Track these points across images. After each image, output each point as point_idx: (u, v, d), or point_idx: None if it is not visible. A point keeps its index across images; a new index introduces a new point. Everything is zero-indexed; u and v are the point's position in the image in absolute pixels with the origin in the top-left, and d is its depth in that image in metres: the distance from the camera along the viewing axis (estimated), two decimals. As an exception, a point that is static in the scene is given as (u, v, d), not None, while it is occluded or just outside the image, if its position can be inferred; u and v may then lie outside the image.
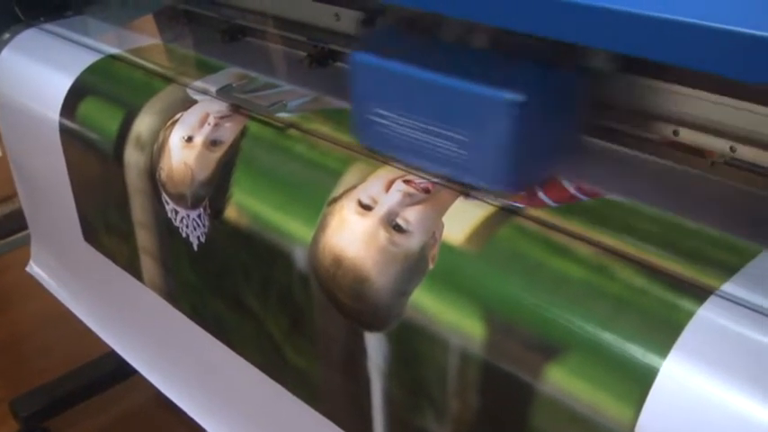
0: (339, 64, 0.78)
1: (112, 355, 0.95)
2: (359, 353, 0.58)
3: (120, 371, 1.20)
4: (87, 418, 1.25)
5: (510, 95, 0.51)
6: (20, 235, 1.46)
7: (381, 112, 0.57)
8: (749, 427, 0.39)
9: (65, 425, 1.24)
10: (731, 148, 0.53)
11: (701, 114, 0.53)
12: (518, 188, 0.54)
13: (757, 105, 0.51)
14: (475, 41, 0.56)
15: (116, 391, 1.25)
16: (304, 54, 0.79)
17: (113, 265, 0.88)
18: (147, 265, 0.81)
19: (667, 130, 0.56)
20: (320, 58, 0.78)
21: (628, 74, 0.56)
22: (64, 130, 0.84)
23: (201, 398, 0.85)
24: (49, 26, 0.94)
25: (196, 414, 0.84)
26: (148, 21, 0.95)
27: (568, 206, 0.53)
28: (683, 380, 0.42)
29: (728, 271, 0.46)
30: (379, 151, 0.59)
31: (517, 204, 0.53)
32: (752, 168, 0.53)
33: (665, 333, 0.43)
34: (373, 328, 0.57)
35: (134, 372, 0.91)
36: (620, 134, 0.59)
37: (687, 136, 0.55)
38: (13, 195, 1.62)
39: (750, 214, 0.52)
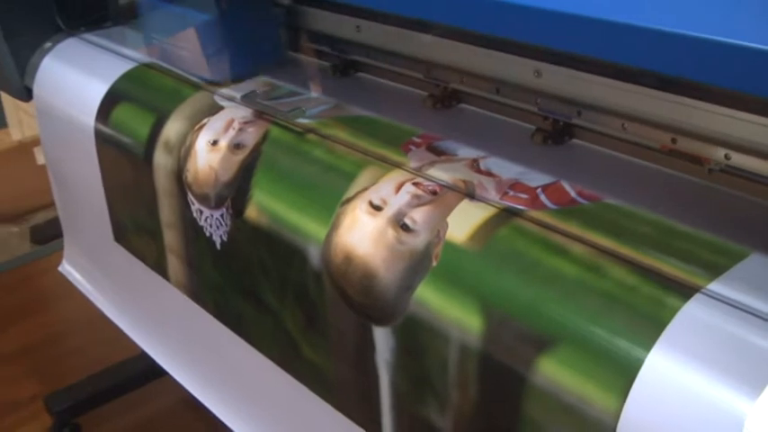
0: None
1: (143, 356, 0.98)
2: (368, 347, 0.61)
3: (150, 372, 1.24)
4: (116, 417, 1.30)
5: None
6: (56, 241, 1.51)
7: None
8: (727, 416, 0.41)
9: (95, 422, 1.28)
10: (726, 155, 0.56)
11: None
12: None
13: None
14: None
15: (145, 391, 1.29)
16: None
17: (142, 265, 0.92)
18: (174, 264, 0.85)
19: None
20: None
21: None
22: (99, 135, 0.89)
23: (225, 396, 0.88)
24: (88, 36, 0.99)
25: (221, 412, 0.87)
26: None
27: (568, 209, 0.55)
28: (666, 372, 0.44)
29: (715, 272, 0.48)
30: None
31: (519, 207, 0.56)
32: (745, 176, 0.55)
33: (650, 328, 0.45)
34: (381, 322, 0.59)
35: (163, 373, 0.94)
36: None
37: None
38: (51, 204, 1.69)
39: (742, 219, 0.54)
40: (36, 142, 1.77)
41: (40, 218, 1.79)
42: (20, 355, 1.45)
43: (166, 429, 1.29)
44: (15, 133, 1.81)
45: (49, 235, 1.72)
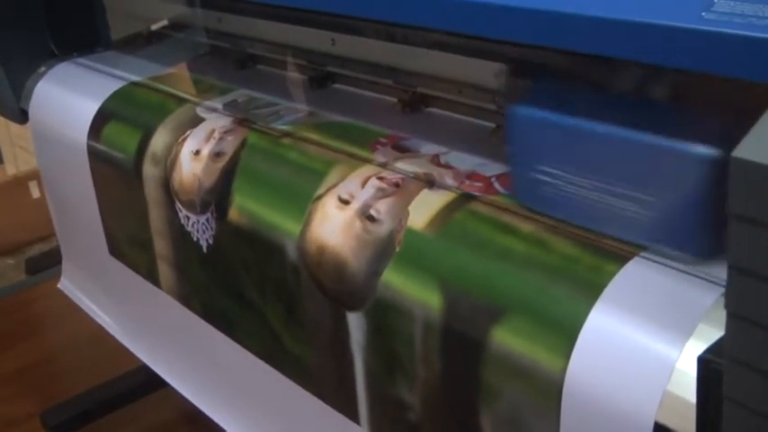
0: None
1: (140, 369, 1.01)
2: (343, 332, 0.66)
3: (147, 385, 1.27)
4: (115, 430, 1.32)
5: (703, 150, 0.46)
6: (51, 270, 1.55)
7: (549, 170, 0.53)
8: (658, 362, 0.45)
9: (92, 436, 1.31)
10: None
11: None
12: (710, 255, 0.48)
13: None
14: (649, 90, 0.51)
15: (143, 404, 1.32)
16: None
17: (137, 276, 0.96)
18: (164, 271, 0.90)
19: None
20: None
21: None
22: (91, 152, 0.94)
23: (224, 401, 0.91)
24: (80, 60, 1.05)
25: (222, 419, 0.90)
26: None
27: (518, 194, 0.60)
28: (604, 330, 0.48)
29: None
30: (544, 213, 0.55)
31: (474, 193, 0.60)
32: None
33: (589, 292, 0.50)
34: (353, 307, 0.64)
35: (160, 386, 0.96)
36: None
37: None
38: (46, 237, 1.74)
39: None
40: (31, 176, 1.82)
41: (36, 250, 1.84)
42: (16, 375, 1.48)
43: (165, 442, 1.33)
44: (10, 168, 1.86)
45: (43, 266, 1.77)
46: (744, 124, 0.37)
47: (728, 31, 0.41)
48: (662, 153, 0.47)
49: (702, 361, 0.42)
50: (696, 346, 0.44)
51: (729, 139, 0.38)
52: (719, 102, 0.47)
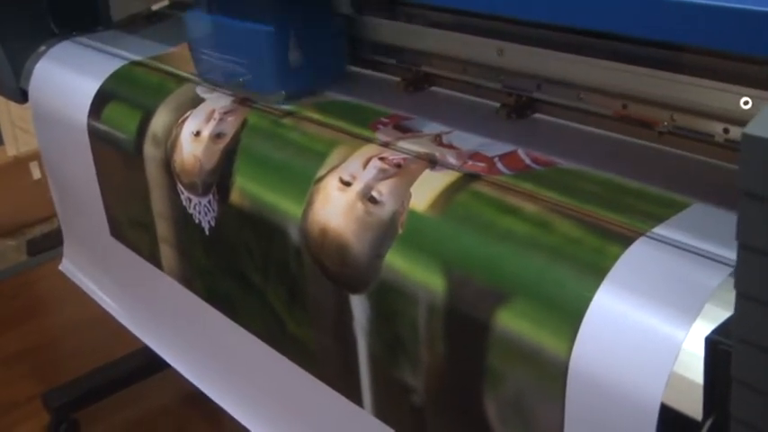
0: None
1: (140, 351, 1.01)
2: (346, 315, 0.65)
3: (148, 367, 1.28)
4: (115, 412, 1.33)
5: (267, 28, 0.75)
6: (52, 251, 1.55)
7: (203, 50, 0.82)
8: (665, 342, 0.45)
9: (93, 418, 1.31)
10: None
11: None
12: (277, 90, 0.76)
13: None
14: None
15: (143, 386, 1.33)
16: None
17: (138, 258, 0.96)
18: (166, 253, 0.89)
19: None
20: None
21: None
22: (92, 132, 0.93)
23: (226, 384, 0.91)
24: (81, 39, 1.04)
25: (223, 401, 0.89)
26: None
27: (522, 174, 0.59)
28: (609, 312, 0.47)
29: (658, 220, 0.51)
30: (206, 79, 0.82)
31: (476, 173, 0.59)
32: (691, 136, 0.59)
33: (593, 274, 0.49)
34: (356, 290, 0.63)
35: (161, 369, 0.96)
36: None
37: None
38: (47, 218, 1.74)
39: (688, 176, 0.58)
40: (32, 157, 1.81)
41: (36, 231, 1.84)
42: (17, 357, 1.48)
43: (165, 425, 1.32)
44: (11, 149, 1.86)
45: (44, 248, 1.77)
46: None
47: (741, 6, 0.40)
48: (246, 32, 0.77)
49: (710, 342, 0.42)
50: (703, 326, 0.43)
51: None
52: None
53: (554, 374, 0.49)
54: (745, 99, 0.55)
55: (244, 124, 0.75)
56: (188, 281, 0.87)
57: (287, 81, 0.77)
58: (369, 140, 0.67)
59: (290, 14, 0.76)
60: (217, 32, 0.81)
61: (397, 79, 0.79)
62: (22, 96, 1.04)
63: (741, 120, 0.56)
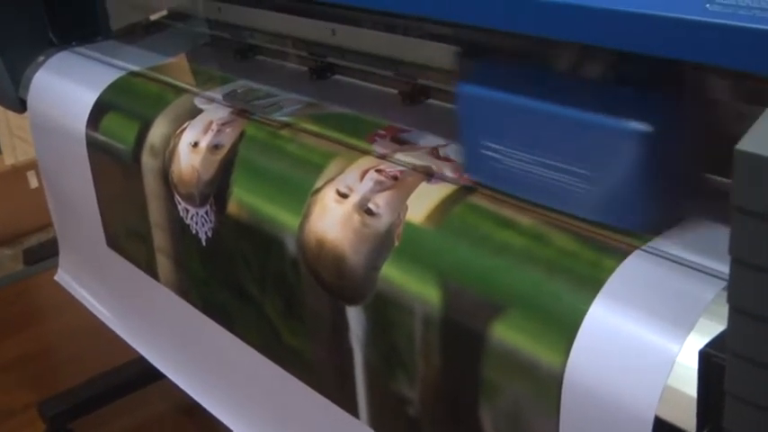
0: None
1: (137, 361, 1.00)
2: (342, 327, 0.65)
3: (144, 377, 1.27)
4: (110, 422, 1.32)
5: (638, 126, 0.48)
6: (49, 260, 1.55)
7: (494, 146, 0.56)
8: (661, 358, 0.45)
9: (88, 427, 1.30)
10: None
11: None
12: (645, 228, 0.51)
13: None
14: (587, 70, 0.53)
15: (139, 396, 1.32)
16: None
17: (135, 269, 0.96)
18: (163, 263, 0.89)
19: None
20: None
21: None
22: (90, 143, 0.93)
23: (221, 394, 0.91)
24: (79, 49, 1.04)
25: (218, 412, 0.89)
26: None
27: (519, 187, 0.59)
28: (604, 325, 0.48)
29: (654, 233, 0.52)
30: (490, 186, 0.58)
31: (473, 186, 0.60)
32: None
33: (588, 287, 0.49)
34: (353, 301, 0.63)
35: (157, 378, 0.96)
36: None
37: None
38: (44, 227, 1.74)
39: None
40: (29, 166, 1.82)
41: (33, 240, 1.84)
42: (14, 365, 1.48)
43: (161, 433, 1.32)
44: (9, 158, 1.86)
45: (41, 257, 1.77)
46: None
47: (732, 23, 0.40)
48: (598, 129, 0.50)
49: (704, 355, 0.42)
50: (697, 340, 0.44)
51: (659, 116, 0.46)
52: (651, 81, 0.50)
53: (549, 387, 0.49)
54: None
55: (241, 136, 0.75)
56: (184, 291, 0.87)
57: (655, 209, 0.52)
58: (366, 152, 0.67)
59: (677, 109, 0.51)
60: (533, 125, 0.54)
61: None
62: (20, 106, 1.04)
63: None
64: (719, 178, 0.54)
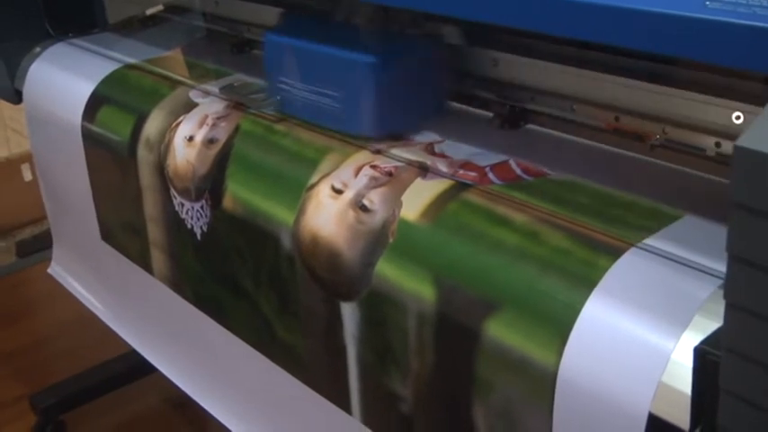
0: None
1: (129, 354, 1.00)
2: (336, 322, 0.65)
3: (135, 370, 1.27)
4: (101, 415, 1.32)
5: (366, 58, 0.67)
6: (42, 253, 1.55)
7: (285, 80, 0.74)
8: (655, 355, 0.45)
9: (80, 420, 1.30)
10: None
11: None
12: (382, 134, 0.68)
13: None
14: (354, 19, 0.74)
15: (130, 389, 1.32)
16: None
17: (129, 262, 0.96)
18: (157, 257, 0.89)
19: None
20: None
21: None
22: (85, 135, 0.93)
23: (213, 389, 0.91)
24: (76, 41, 1.04)
25: (210, 407, 0.89)
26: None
27: (513, 184, 0.59)
28: (598, 323, 0.48)
29: (648, 231, 0.52)
30: (286, 113, 0.74)
31: (467, 182, 0.60)
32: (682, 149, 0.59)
33: (582, 285, 0.49)
34: (347, 297, 0.63)
35: (148, 372, 0.95)
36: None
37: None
38: (37, 219, 1.74)
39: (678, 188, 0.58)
40: (23, 159, 1.81)
41: (27, 233, 1.84)
42: (5, 358, 1.47)
43: (151, 427, 1.32)
44: (2, 150, 1.85)
45: (34, 250, 1.76)
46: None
47: (732, 20, 0.40)
48: (343, 61, 0.69)
49: (698, 352, 0.42)
50: (692, 337, 0.43)
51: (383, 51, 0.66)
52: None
53: (542, 384, 0.49)
54: (737, 114, 0.56)
55: (237, 130, 0.75)
56: (178, 285, 0.87)
57: (384, 120, 0.69)
58: (361, 148, 0.67)
59: (393, 44, 0.70)
60: (304, 61, 0.72)
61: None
62: (16, 97, 1.04)
63: (733, 134, 0.56)
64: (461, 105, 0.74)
